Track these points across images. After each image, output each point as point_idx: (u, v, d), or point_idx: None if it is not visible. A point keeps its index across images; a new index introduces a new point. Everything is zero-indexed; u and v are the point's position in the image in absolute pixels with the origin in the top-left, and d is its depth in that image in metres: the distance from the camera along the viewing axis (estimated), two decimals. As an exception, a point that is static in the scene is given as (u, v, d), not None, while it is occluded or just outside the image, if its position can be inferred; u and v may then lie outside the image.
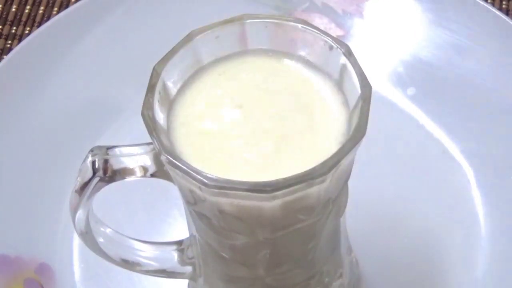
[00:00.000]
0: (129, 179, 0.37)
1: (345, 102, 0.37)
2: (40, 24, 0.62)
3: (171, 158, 0.34)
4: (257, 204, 0.34)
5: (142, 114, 0.35)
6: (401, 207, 0.49)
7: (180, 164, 0.34)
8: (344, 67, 0.38)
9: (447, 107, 0.53)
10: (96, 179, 0.37)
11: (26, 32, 0.62)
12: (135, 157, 0.37)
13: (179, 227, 0.47)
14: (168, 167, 0.35)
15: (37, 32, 0.55)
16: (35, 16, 0.63)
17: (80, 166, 0.37)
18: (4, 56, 0.56)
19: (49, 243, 0.49)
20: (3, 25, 0.63)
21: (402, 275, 0.47)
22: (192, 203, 0.37)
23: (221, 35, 0.38)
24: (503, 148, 0.50)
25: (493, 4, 0.60)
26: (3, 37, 0.62)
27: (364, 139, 0.34)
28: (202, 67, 0.39)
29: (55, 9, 0.63)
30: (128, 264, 0.42)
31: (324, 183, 0.34)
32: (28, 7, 0.64)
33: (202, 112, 0.37)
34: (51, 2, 0.64)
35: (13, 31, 0.63)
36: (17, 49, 0.54)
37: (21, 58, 0.54)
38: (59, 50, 0.55)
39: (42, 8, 0.63)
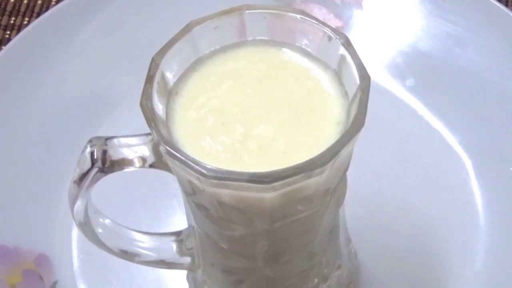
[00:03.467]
0: (128, 169, 0.37)
1: (344, 93, 0.37)
2: (38, 15, 0.62)
3: (169, 149, 0.34)
4: (255, 195, 0.34)
5: (141, 105, 0.35)
6: (400, 198, 0.49)
7: (178, 155, 0.34)
8: (343, 57, 0.38)
9: (446, 98, 0.53)
10: (95, 170, 0.37)
11: (25, 22, 0.62)
12: (133, 148, 0.37)
13: (177, 218, 0.47)
14: (166, 158, 0.35)
15: (35, 22, 0.55)
16: (33, 6, 0.63)
17: (79, 157, 0.37)
18: (3, 47, 0.56)
19: (47, 234, 0.49)
20: (2, 16, 0.62)
21: (401, 266, 0.47)
22: (191, 193, 0.37)
23: (219, 26, 0.38)
24: (502, 139, 0.50)
25: None
26: (2, 27, 0.62)
27: (363, 130, 0.34)
28: (201, 58, 0.39)
29: (54, -1, 0.63)
30: (127, 255, 0.42)
31: (323, 173, 0.34)
32: (26, -3, 0.64)
33: (201, 102, 0.37)
34: (49, -8, 0.64)
35: (12, 21, 0.62)
36: (15, 39, 0.54)
37: (19, 49, 0.54)
38: (57, 40, 0.55)
39: (40, -2, 0.63)
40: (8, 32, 0.62)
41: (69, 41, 0.55)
